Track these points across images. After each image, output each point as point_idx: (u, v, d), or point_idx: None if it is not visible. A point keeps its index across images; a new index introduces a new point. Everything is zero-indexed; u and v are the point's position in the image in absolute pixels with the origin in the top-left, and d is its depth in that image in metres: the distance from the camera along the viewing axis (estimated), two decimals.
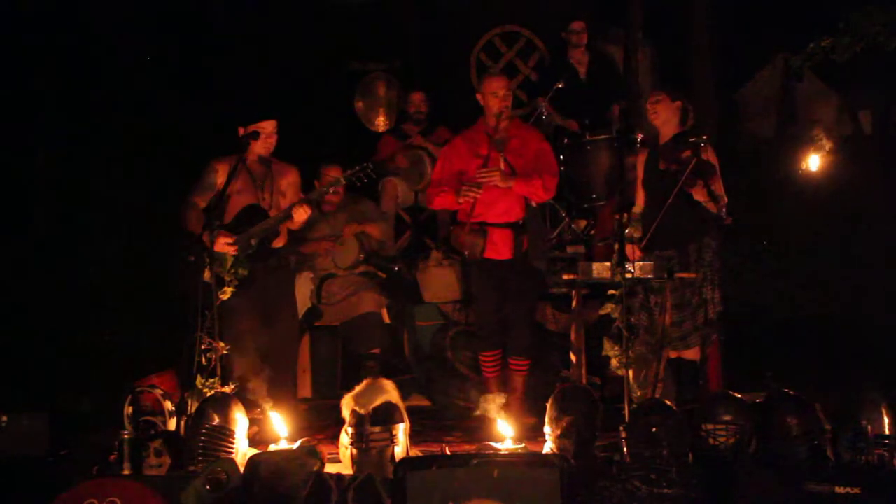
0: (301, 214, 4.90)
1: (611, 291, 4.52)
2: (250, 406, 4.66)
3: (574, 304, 5.31)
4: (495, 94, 5.01)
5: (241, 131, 4.93)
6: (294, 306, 5.28)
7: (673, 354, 5.03)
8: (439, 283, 6.24)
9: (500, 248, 5.02)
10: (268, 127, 4.94)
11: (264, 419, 4.67)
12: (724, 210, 4.66)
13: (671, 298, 4.92)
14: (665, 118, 4.96)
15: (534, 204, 5.21)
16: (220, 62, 6.97)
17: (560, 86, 6.54)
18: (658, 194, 4.85)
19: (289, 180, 5.09)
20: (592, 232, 6.41)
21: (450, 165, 5.11)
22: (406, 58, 7.89)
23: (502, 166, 4.98)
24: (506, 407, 4.80)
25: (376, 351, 5.78)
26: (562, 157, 6.58)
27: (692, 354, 4.95)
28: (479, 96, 5.14)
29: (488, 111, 5.07)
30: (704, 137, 4.74)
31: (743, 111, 8.39)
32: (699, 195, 4.70)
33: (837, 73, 7.28)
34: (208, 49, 6.98)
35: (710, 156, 4.80)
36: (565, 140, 6.62)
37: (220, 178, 4.88)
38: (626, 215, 4.52)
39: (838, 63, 5.80)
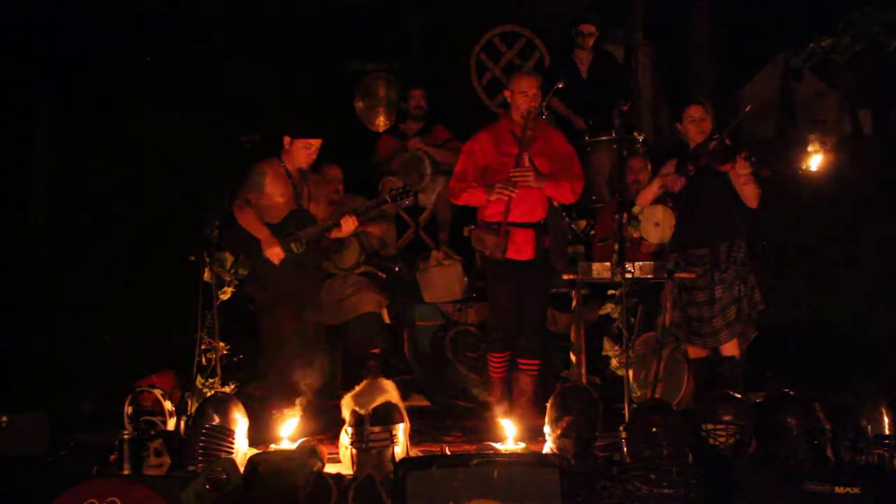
0: (349, 225, 5.12)
1: (611, 291, 4.52)
2: (285, 401, 4.71)
3: (574, 304, 5.31)
4: (525, 93, 4.99)
5: (287, 140, 5.13)
6: (320, 308, 5.41)
7: (701, 352, 5.06)
8: (439, 283, 6.24)
9: (521, 248, 5.00)
10: (315, 143, 5.16)
11: (303, 412, 4.73)
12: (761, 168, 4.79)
13: (701, 296, 4.98)
14: (706, 129, 5.04)
15: (556, 203, 5.19)
16: (219, 62, 6.96)
17: (560, 86, 6.55)
18: (690, 196, 4.97)
19: (323, 188, 5.37)
20: (592, 232, 6.41)
21: (474, 161, 5.08)
22: (406, 58, 7.89)
23: (527, 165, 4.97)
24: (514, 410, 4.82)
25: (376, 351, 5.79)
26: None
27: (730, 350, 4.99)
28: (506, 93, 5.13)
29: (515, 109, 5.04)
30: (736, 122, 4.93)
31: (743, 111, 8.38)
32: (742, 168, 4.79)
33: (837, 73, 7.28)
34: (208, 49, 6.97)
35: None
36: None
37: (268, 179, 5.10)
38: (626, 215, 4.53)
39: (838, 63, 5.80)
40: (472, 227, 5.16)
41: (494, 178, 4.94)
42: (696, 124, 5.04)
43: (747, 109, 5.19)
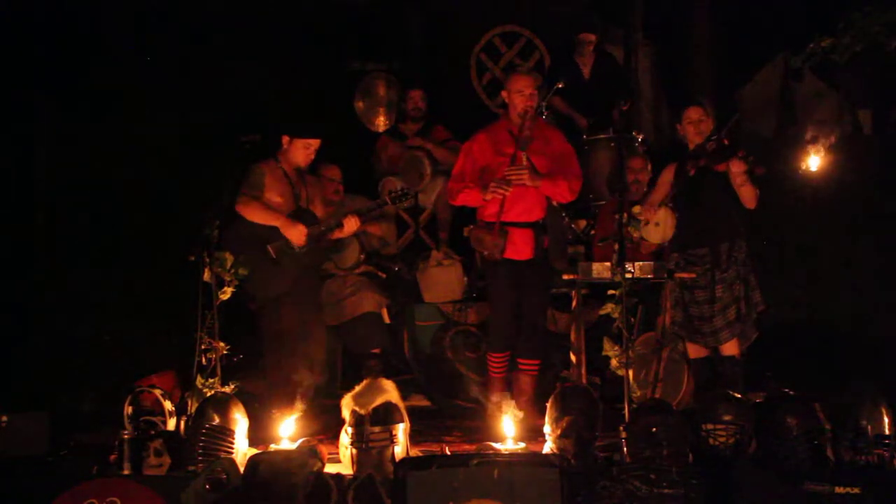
0: (352, 225, 5.16)
1: (611, 291, 4.52)
2: (285, 401, 4.71)
3: (574, 304, 5.31)
4: (521, 93, 5.00)
5: (286, 139, 5.16)
6: (320, 308, 5.42)
7: (702, 352, 5.06)
8: (439, 283, 6.24)
9: (520, 248, 5.00)
10: (315, 144, 5.18)
11: (303, 412, 4.74)
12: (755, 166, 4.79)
13: (702, 295, 4.98)
14: (705, 131, 5.04)
15: (555, 203, 5.18)
16: (219, 62, 6.96)
17: (560, 86, 6.55)
18: (691, 196, 4.98)
19: (320, 188, 5.42)
20: (592, 232, 6.42)
21: (472, 161, 5.09)
22: (406, 58, 7.89)
23: (525, 164, 4.97)
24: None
25: (376, 351, 5.79)
26: None
27: (731, 349, 4.98)
28: (504, 93, 5.14)
29: (513, 109, 5.05)
30: (735, 119, 4.98)
31: (743, 111, 8.38)
32: (737, 167, 4.79)
33: (837, 73, 7.28)
34: (208, 49, 6.97)
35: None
36: None
37: (266, 180, 5.12)
38: (626, 215, 4.54)
39: (838, 63, 5.80)
40: (472, 227, 5.16)
41: (492, 179, 4.94)
42: (694, 125, 5.05)
43: (738, 113, 5.20)
